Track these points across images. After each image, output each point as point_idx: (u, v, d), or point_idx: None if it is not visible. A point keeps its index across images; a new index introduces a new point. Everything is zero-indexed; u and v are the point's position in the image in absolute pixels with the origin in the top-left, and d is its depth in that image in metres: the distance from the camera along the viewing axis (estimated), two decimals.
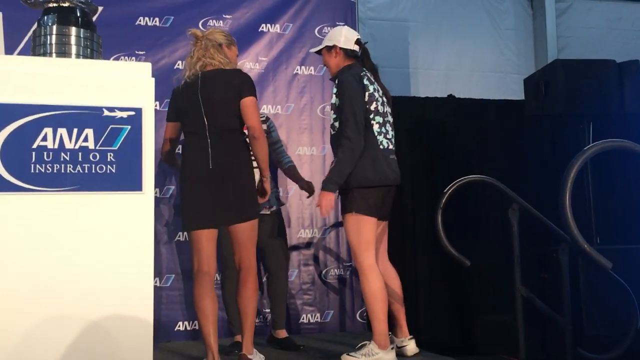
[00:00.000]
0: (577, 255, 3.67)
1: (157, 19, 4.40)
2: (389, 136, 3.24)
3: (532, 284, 3.99)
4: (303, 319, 4.37)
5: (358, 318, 4.49)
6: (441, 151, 5.48)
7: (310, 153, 4.57)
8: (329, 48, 3.29)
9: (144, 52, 4.31)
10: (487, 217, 5.23)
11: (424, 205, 5.19)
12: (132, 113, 2.28)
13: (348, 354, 3.07)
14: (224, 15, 4.51)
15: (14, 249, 2.12)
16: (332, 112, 3.23)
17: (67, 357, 2.11)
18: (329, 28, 4.72)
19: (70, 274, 2.16)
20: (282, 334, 3.82)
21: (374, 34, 6.22)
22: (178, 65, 4.37)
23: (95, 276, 2.20)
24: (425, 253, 5.23)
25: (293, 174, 3.96)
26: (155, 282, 4.12)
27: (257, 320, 3.78)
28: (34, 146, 2.16)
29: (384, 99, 3.27)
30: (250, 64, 4.54)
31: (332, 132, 3.23)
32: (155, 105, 4.11)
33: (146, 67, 2.35)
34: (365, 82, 3.16)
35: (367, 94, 3.12)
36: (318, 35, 4.69)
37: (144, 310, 2.22)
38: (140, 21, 4.38)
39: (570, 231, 2.64)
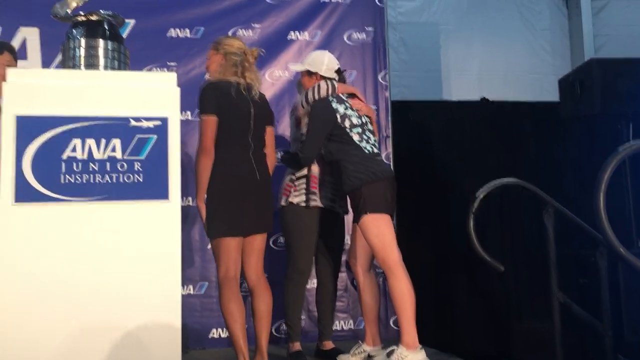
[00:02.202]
0: (616, 258, 3.56)
1: (187, 30, 4.47)
2: (372, 141, 3.32)
3: (570, 289, 3.89)
4: (336, 325, 4.33)
5: (392, 325, 4.44)
6: (475, 155, 5.40)
7: None
8: (310, 73, 3.47)
9: (175, 63, 4.38)
10: (522, 221, 5.13)
11: (457, 209, 5.11)
12: (158, 122, 2.31)
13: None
14: (252, 25, 4.55)
15: (46, 258, 2.17)
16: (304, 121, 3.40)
17: (94, 356, 2.15)
18: (357, 34, 4.72)
19: (99, 283, 2.20)
20: (329, 345, 3.71)
21: (405, 38, 6.20)
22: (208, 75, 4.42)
23: (124, 284, 2.23)
24: (460, 259, 5.15)
25: None
26: (189, 290, 4.16)
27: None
28: (64, 157, 2.21)
29: (359, 112, 3.37)
30: (280, 71, 4.57)
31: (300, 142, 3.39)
32: (187, 115, 4.29)
33: (171, 77, 2.39)
34: (335, 105, 3.29)
35: (338, 116, 3.26)
36: (347, 42, 4.69)
37: (172, 318, 2.24)
38: (171, 32, 4.45)
39: (606, 234, 2.56)
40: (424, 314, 5.03)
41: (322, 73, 3.44)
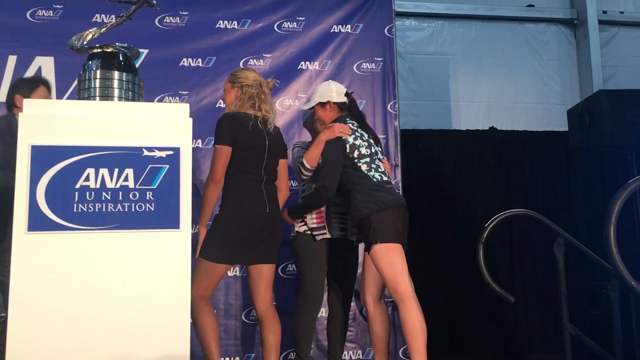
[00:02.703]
0: (628, 290, 3.53)
1: (199, 59, 4.53)
2: (381, 170, 3.31)
3: (582, 321, 3.86)
4: (345, 356, 4.31)
5: (401, 355, 4.40)
6: (483, 183, 5.41)
7: None
8: (323, 104, 3.46)
9: (187, 92, 4.44)
10: (532, 252, 5.10)
11: (466, 240, 5.10)
12: (171, 152, 2.33)
13: None
14: (264, 55, 4.61)
15: (59, 287, 2.18)
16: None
17: None
18: (367, 64, 4.77)
19: (111, 311, 2.20)
20: None
21: (414, 68, 6.25)
22: (220, 104, 4.48)
23: (135, 313, 2.23)
24: (469, 289, 5.12)
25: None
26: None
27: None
28: (77, 186, 2.23)
29: (371, 141, 3.40)
30: (290, 100, 4.61)
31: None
32: (198, 143, 4.33)
33: (184, 108, 2.42)
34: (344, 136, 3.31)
35: (347, 145, 3.27)
36: (357, 71, 4.74)
37: (181, 346, 2.24)
38: (183, 62, 4.51)
39: (616, 266, 2.55)
40: (434, 344, 5.01)
41: (333, 100, 3.44)
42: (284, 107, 4.62)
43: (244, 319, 4.30)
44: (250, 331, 4.27)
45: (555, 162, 5.34)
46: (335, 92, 3.46)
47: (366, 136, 3.39)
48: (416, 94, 6.24)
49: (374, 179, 3.24)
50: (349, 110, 3.47)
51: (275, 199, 3.23)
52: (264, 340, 3.13)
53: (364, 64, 4.77)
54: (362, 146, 3.32)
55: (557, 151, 5.34)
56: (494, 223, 3.58)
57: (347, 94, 3.47)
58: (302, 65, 4.66)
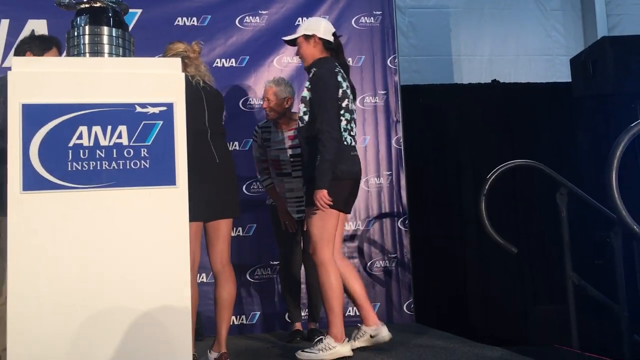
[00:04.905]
0: (631, 237, 3.51)
1: (194, 18, 4.46)
2: (353, 133, 3.25)
3: (586, 271, 3.86)
4: (349, 312, 4.34)
5: (405, 310, 4.43)
6: (487, 137, 5.36)
7: None
8: (307, 37, 3.27)
9: None
10: (536, 203, 5.08)
11: (471, 193, 5.09)
12: (164, 108, 2.29)
13: (303, 350, 3.04)
14: (259, 11, 4.53)
15: (55, 245, 2.17)
16: (302, 105, 3.19)
17: (110, 346, 2.16)
18: (366, 18, 4.68)
19: (109, 269, 2.20)
20: (312, 325, 3.93)
21: (414, 23, 6.14)
22: (217, 63, 4.43)
23: (134, 270, 2.22)
24: (473, 243, 5.12)
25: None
26: (202, 278, 4.16)
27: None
28: (70, 144, 2.20)
29: (352, 96, 3.29)
30: (288, 58, 4.54)
31: (300, 125, 3.21)
32: None
33: (176, 63, 2.37)
34: (339, 78, 3.18)
35: (340, 90, 3.15)
36: (355, 26, 4.66)
37: (181, 303, 2.24)
38: (178, 21, 4.44)
39: (618, 212, 2.52)
40: (438, 299, 5.04)
41: (320, 35, 3.23)
42: (282, 65, 4.56)
43: (248, 277, 4.32)
44: (255, 290, 4.31)
45: (559, 114, 5.27)
46: (323, 28, 3.27)
47: (350, 89, 3.27)
48: (417, 49, 6.13)
49: (345, 142, 3.16)
50: (335, 53, 3.30)
51: (224, 151, 3.19)
52: (217, 298, 3.10)
53: (362, 18, 4.68)
54: (349, 98, 3.22)
55: (561, 103, 5.27)
56: (495, 174, 3.56)
57: (334, 35, 3.30)
58: (299, 22, 4.55)
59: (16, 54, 3.46)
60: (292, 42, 3.38)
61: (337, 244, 3.28)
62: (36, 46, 3.34)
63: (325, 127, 3.05)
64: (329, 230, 3.10)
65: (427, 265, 4.92)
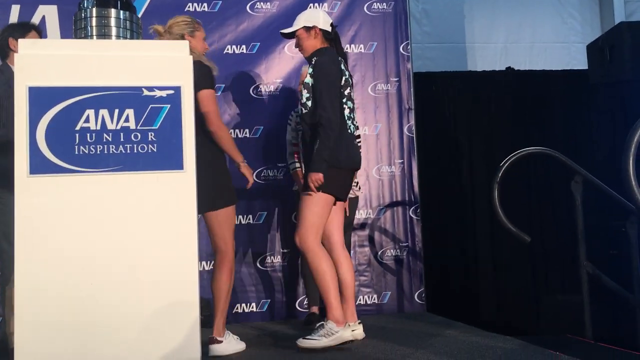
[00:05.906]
0: None
1: (205, 4, 4.41)
2: (356, 122, 3.27)
3: (601, 261, 3.79)
4: (360, 300, 4.31)
5: (416, 299, 4.39)
6: (501, 125, 5.29)
7: (363, 132, 4.48)
8: (308, 29, 3.25)
9: None
10: (550, 192, 5.01)
11: (484, 182, 5.03)
12: (171, 92, 2.27)
13: (304, 338, 2.99)
14: None
15: (62, 229, 2.16)
16: (305, 91, 3.17)
17: (117, 326, 2.15)
18: (378, 4, 4.62)
19: (114, 253, 2.19)
20: (313, 309, 3.94)
21: (428, 10, 6.06)
22: (227, 49, 4.39)
23: (141, 254, 2.21)
24: (486, 232, 5.07)
25: None
26: (212, 266, 4.14)
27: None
28: (77, 128, 2.19)
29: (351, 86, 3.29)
30: None
31: (304, 111, 3.19)
32: None
33: (184, 45, 2.35)
34: (342, 67, 3.17)
35: (343, 78, 3.14)
36: (367, 12, 4.59)
37: (189, 287, 2.23)
38: (189, 7, 4.40)
39: (635, 199, 2.46)
40: (450, 288, 5.00)
41: (320, 25, 3.21)
42: (293, 52, 4.48)
43: (258, 265, 4.30)
44: (265, 277, 4.29)
45: (575, 101, 5.18)
46: (322, 18, 3.26)
47: (351, 79, 3.28)
48: (430, 36, 6.06)
49: (349, 130, 3.16)
50: (334, 43, 3.29)
51: (203, 145, 2.86)
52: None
53: (374, 4, 4.62)
54: (351, 87, 3.22)
55: (577, 90, 5.17)
56: (509, 162, 3.50)
57: (332, 26, 3.29)
58: (311, 7, 4.51)
59: None
60: (290, 35, 3.35)
61: (339, 233, 3.26)
62: (16, 31, 3.30)
63: (327, 113, 3.04)
64: (322, 216, 3.07)
65: (439, 254, 4.87)
